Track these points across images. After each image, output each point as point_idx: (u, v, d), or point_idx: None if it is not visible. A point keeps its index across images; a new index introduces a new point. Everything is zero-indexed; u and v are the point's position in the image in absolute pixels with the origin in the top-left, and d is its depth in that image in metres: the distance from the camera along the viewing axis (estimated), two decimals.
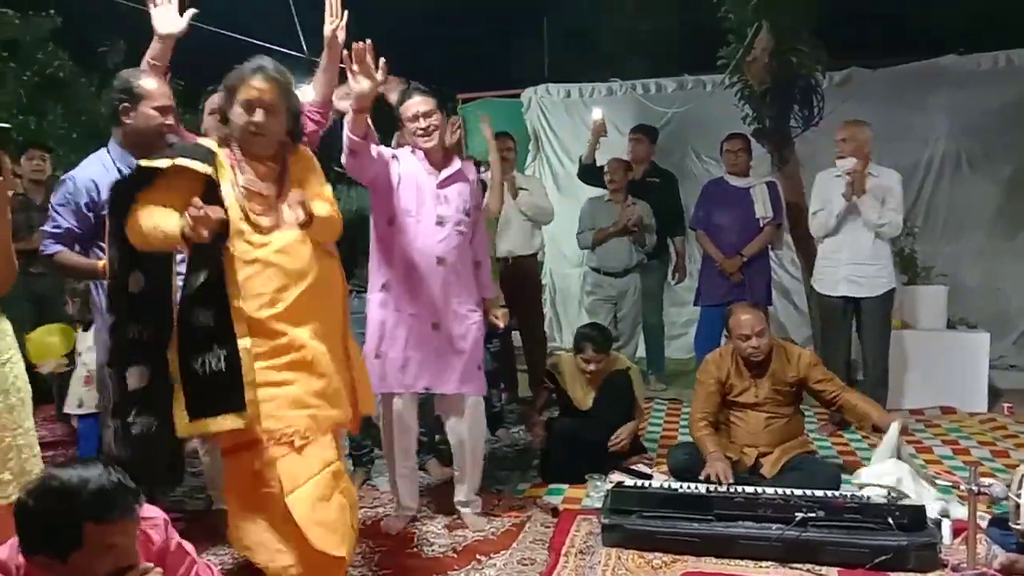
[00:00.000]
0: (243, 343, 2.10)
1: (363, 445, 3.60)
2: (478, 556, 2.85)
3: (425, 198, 2.94)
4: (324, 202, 2.30)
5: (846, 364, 4.64)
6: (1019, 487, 2.65)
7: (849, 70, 6.37)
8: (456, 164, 3.03)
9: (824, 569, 2.67)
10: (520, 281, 4.88)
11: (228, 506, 2.22)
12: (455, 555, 2.87)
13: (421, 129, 2.93)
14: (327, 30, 2.60)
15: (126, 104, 2.56)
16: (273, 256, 2.16)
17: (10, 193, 2.03)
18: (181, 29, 2.26)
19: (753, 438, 3.44)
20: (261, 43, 5.20)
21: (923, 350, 5.05)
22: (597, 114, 5.60)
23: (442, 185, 2.97)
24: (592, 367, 3.74)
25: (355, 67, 2.61)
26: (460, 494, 3.17)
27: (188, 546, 1.82)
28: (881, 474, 3.09)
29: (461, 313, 2.98)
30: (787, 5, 5.00)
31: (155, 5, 2.21)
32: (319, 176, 2.37)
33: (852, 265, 4.41)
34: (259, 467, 2.10)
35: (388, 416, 3.05)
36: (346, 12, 2.63)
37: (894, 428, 3.23)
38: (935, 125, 6.24)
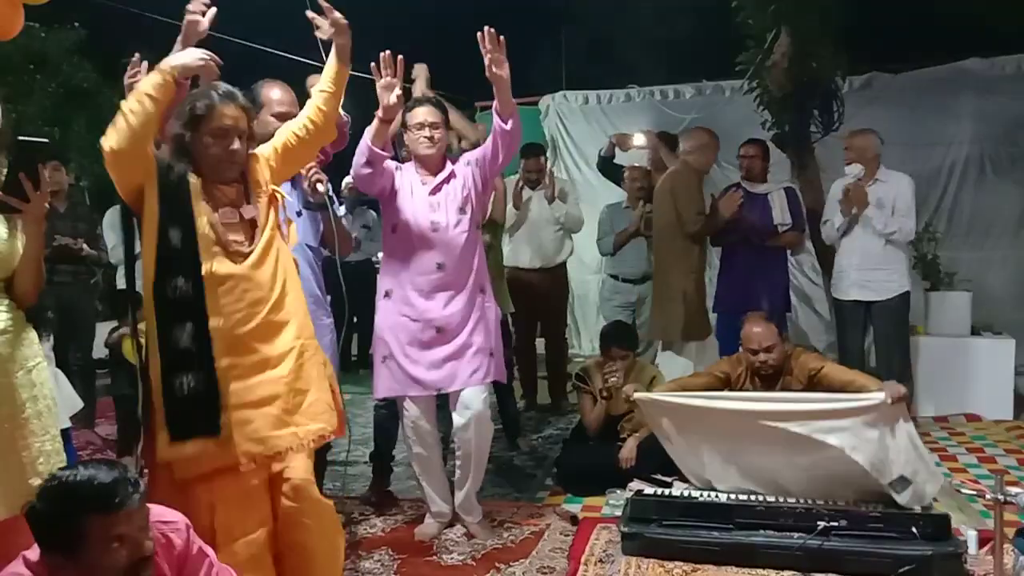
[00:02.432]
0: (221, 363, 2.07)
1: (385, 450, 3.60)
2: (497, 564, 2.85)
3: (420, 207, 3.00)
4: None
5: (862, 369, 4.61)
6: None
7: (870, 75, 6.33)
8: (447, 169, 3.09)
9: None
10: (548, 290, 4.90)
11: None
12: (474, 563, 2.88)
13: (425, 137, 3.02)
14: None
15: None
16: (246, 271, 2.13)
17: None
18: (204, 31, 2.28)
19: None
20: (282, 53, 5.25)
21: (947, 357, 4.98)
22: (639, 140, 5.59)
23: (434, 192, 3.03)
24: (619, 365, 3.74)
25: (381, 80, 2.73)
26: (458, 499, 3.16)
27: (208, 550, 1.82)
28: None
29: (464, 310, 3.00)
30: (807, 10, 4.98)
31: (191, 13, 2.23)
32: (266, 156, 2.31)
33: (863, 270, 4.47)
34: (232, 493, 2.08)
35: (404, 422, 3.09)
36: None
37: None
38: (958, 130, 6.18)
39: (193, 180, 2.13)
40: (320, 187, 2.75)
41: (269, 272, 2.17)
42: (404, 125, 3.08)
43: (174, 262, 2.08)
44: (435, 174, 3.06)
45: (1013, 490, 2.76)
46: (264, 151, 2.30)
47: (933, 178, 5.96)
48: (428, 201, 3.01)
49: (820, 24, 5.03)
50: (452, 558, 2.93)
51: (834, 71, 5.15)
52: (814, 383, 3.30)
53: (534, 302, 4.74)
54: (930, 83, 6.24)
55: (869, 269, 4.45)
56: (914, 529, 2.70)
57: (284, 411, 2.14)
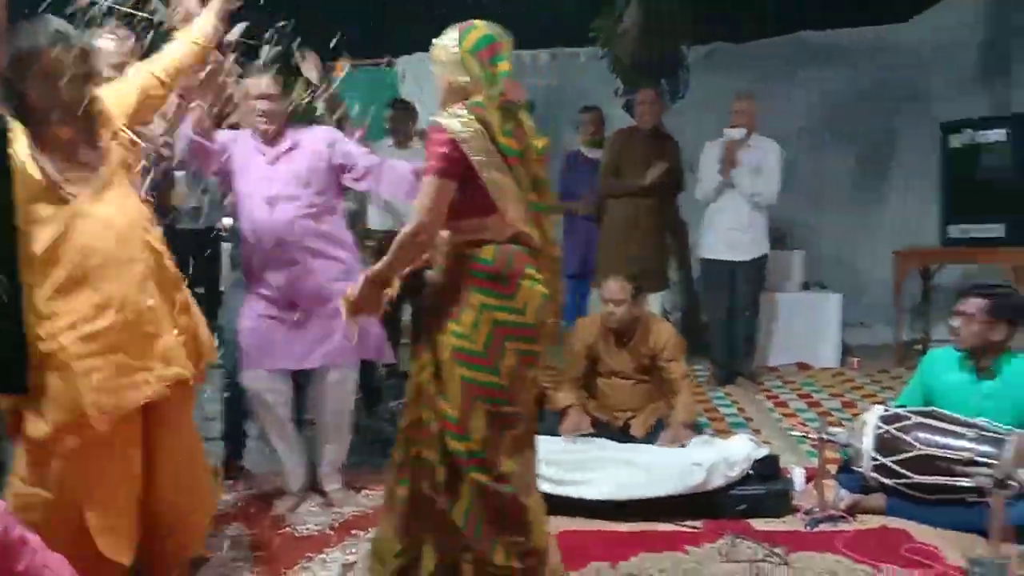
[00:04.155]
0: (30, 319, 1.98)
1: (236, 425, 3.47)
2: (354, 531, 2.81)
3: (256, 179, 2.87)
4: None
5: (722, 323, 4.88)
6: (861, 434, 2.87)
7: (713, 45, 6.57)
8: (288, 140, 2.93)
9: (690, 521, 2.80)
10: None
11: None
12: (331, 531, 2.83)
13: (262, 111, 2.86)
14: None
15: None
16: (83, 209, 2.03)
17: None
18: None
19: (621, 402, 3.51)
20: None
21: (781, 311, 5.37)
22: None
23: (271, 162, 2.90)
24: None
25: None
26: (320, 468, 3.12)
27: (31, 538, 1.68)
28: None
29: (320, 286, 2.88)
30: None
31: None
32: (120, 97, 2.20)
33: (730, 231, 4.72)
34: (83, 447, 2.02)
35: (254, 389, 2.98)
36: None
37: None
38: (796, 99, 6.52)
39: (16, 128, 2.00)
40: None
41: (109, 212, 2.07)
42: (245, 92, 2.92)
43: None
44: (274, 145, 2.92)
45: (834, 430, 3.03)
46: (120, 91, 2.19)
47: None
48: (265, 173, 2.87)
49: None
50: (308, 528, 2.87)
51: (680, 40, 5.34)
52: (657, 354, 3.44)
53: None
54: (771, 53, 6.55)
55: (736, 230, 4.70)
56: (749, 471, 2.90)
57: (135, 356, 2.07)
